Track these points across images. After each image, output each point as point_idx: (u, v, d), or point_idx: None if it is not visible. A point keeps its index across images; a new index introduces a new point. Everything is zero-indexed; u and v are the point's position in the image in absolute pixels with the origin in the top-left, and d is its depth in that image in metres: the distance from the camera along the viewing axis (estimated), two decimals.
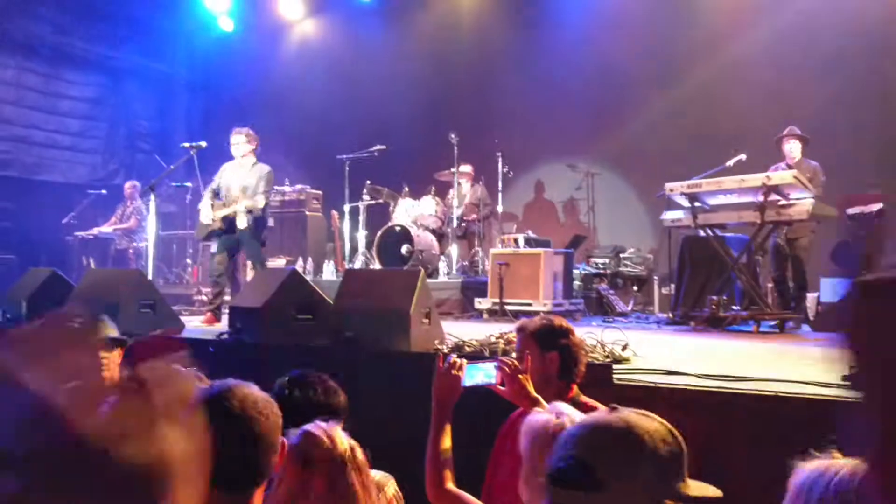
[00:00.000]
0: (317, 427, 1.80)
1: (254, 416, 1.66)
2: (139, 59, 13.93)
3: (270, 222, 10.40)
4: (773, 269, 7.05)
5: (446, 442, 2.37)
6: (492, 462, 2.57)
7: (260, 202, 6.80)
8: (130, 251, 10.37)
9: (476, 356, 3.39)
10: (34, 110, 12.50)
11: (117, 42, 13.54)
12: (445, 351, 4.10)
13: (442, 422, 2.39)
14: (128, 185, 10.75)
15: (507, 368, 2.48)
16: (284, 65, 13.32)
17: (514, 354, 2.81)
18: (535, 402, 2.39)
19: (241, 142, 7.04)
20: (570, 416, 1.80)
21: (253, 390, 1.76)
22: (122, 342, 3.47)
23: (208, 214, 6.96)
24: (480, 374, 2.48)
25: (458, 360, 2.47)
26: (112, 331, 3.47)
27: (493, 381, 2.48)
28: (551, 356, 2.62)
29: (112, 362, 3.34)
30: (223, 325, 5.81)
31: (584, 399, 2.60)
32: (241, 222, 6.76)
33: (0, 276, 10.00)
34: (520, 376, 2.46)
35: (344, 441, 1.78)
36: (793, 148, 7.04)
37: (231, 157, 7.18)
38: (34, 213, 11.46)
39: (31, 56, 12.47)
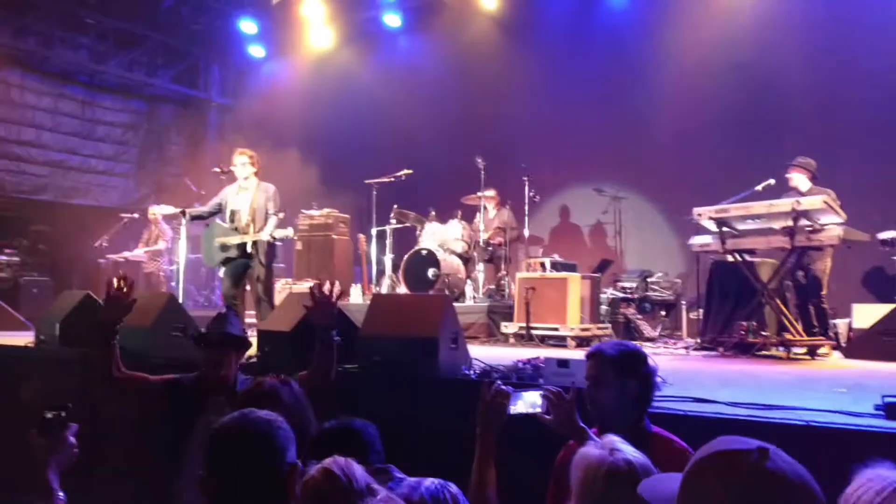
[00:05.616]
0: (334, 463, 1.76)
1: (252, 433, 1.67)
2: (172, 85, 14.27)
3: (298, 245, 10.55)
4: (794, 296, 6.95)
5: (491, 471, 2.30)
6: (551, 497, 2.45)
7: (272, 226, 6.73)
8: (160, 274, 10.53)
9: (516, 383, 3.37)
10: (71, 136, 12.83)
11: (153, 69, 13.88)
12: (474, 373, 4.10)
13: (487, 451, 2.33)
14: (150, 210, 10.89)
15: (553, 397, 2.42)
16: (313, 90, 13.51)
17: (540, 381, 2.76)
18: (582, 432, 2.33)
19: (245, 163, 6.91)
20: (624, 452, 1.72)
21: (255, 411, 1.78)
22: (242, 342, 3.52)
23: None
24: (526, 403, 2.42)
25: (504, 388, 2.42)
26: (232, 329, 3.49)
27: (540, 409, 2.42)
28: (631, 384, 2.44)
29: (229, 360, 3.46)
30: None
31: (656, 430, 2.47)
32: (251, 247, 6.73)
33: (35, 298, 10.21)
34: (566, 405, 2.41)
35: (360, 479, 1.74)
36: (792, 178, 6.94)
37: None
38: (68, 236, 11.69)
39: (70, 83, 12.82)
